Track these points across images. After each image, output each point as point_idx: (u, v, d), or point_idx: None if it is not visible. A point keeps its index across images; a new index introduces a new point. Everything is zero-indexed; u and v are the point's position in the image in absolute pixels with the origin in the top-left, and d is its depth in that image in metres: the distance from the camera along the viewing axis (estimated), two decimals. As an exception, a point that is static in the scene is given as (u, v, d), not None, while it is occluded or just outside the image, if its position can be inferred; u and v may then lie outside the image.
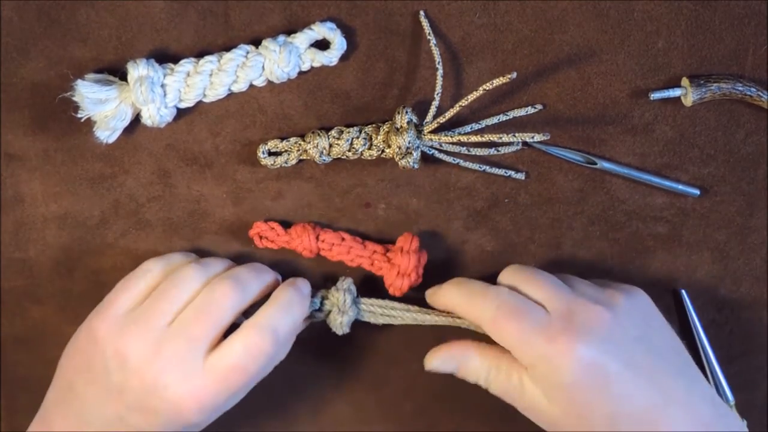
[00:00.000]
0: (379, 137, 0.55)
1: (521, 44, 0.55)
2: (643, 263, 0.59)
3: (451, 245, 0.59)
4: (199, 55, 0.55)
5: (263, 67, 0.54)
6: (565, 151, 0.57)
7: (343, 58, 0.55)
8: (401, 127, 0.54)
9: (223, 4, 0.54)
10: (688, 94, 0.55)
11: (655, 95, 0.56)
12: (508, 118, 0.56)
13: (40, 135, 0.56)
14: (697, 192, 0.58)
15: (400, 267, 0.56)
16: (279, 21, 0.55)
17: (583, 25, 0.55)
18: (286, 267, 0.58)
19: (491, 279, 0.56)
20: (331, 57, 0.54)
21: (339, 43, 0.54)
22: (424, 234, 0.58)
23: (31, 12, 0.54)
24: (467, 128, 0.56)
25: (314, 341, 0.60)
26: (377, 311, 0.56)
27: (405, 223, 0.58)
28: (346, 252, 0.57)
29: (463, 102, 0.53)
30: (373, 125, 0.56)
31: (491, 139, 0.54)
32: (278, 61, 0.53)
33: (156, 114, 0.54)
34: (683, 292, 0.59)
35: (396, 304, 0.57)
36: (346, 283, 0.56)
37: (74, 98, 0.53)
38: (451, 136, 0.55)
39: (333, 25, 0.54)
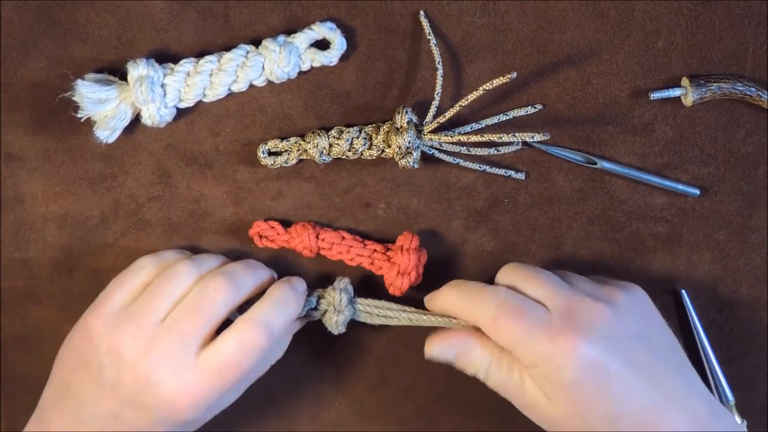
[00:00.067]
0: (379, 137, 0.55)
1: (521, 44, 0.55)
2: (643, 263, 0.59)
3: (451, 245, 0.59)
4: (199, 55, 0.55)
5: (263, 67, 0.54)
6: (565, 151, 0.57)
7: (343, 58, 0.55)
8: (401, 127, 0.54)
9: (223, 4, 0.54)
10: (688, 94, 0.55)
11: (655, 95, 0.56)
12: (508, 118, 0.56)
13: (40, 135, 0.56)
14: (697, 192, 0.58)
15: (400, 266, 0.56)
16: (279, 21, 0.55)
17: (583, 25, 0.55)
18: (285, 267, 0.58)
19: (491, 279, 0.56)
20: (331, 57, 0.54)
21: (339, 43, 0.54)
22: (424, 234, 0.58)
23: (31, 12, 0.54)
24: (467, 128, 0.56)
25: (314, 341, 0.60)
26: (373, 311, 0.56)
27: (405, 223, 0.58)
28: (346, 251, 0.57)
29: (463, 102, 0.53)
30: (373, 125, 0.56)
31: (491, 139, 0.54)
32: (278, 61, 0.53)
33: (156, 114, 0.54)
34: (683, 292, 0.59)
35: (392, 305, 0.56)
36: (343, 283, 0.56)
37: (74, 98, 0.53)
38: (451, 136, 0.55)
39: (333, 25, 0.54)
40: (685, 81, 0.56)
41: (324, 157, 0.55)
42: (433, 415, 0.61)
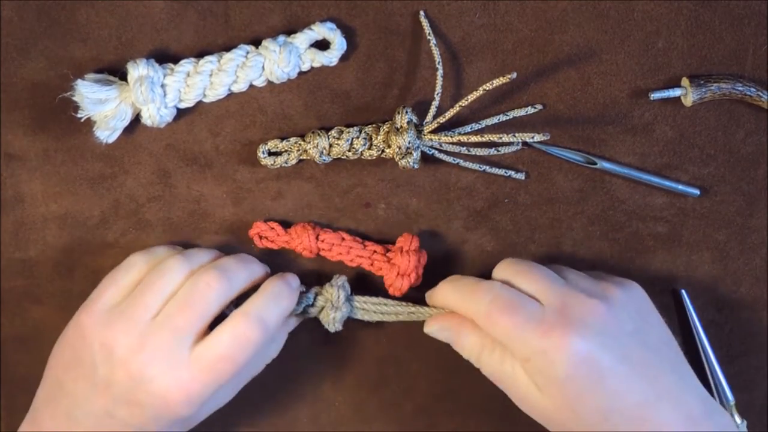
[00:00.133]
0: (379, 137, 0.55)
1: (521, 44, 0.55)
2: (643, 263, 0.59)
3: (451, 245, 0.59)
4: (199, 55, 0.55)
5: (263, 67, 0.54)
6: (565, 151, 0.57)
7: (343, 58, 0.55)
8: (401, 127, 0.54)
9: (223, 4, 0.54)
10: (688, 94, 0.55)
11: (655, 95, 0.56)
12: (508, 118, 0.56)
13: (40, 135, 0.56)
14: (697, 192, 0.58)
15: (400, 267, 0.56)
16: (279, 21, 0.55)
17: (583, 25, 0.55)
18: (285, 267, 0.58)
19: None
20: (331, 57, 0.54)
21: (339, 43, 0.54)
22: (424, 234, 0.58)
23: (31, 12, 0.54)
24: (467, 128, 0.56)
25: (314, 342, 0.60)
26: (370, 309, 0.56)
27: (405, 223, 0.58)
28: (345, 252, 0.57)
29: (463, 102, 0.53)
30: (373, 125, 0.56)
31: (491, 139, 0.54)
32: (278, 61, 0.53)
33: (156, 114, 0.54)
34: (683, 292, 0.59)
35: (389, 301, 0.57)
36: (341, 280, 0.56)
37: (74, 98, 0.53)
38: (451, 136, 0.55)
39: (333, 25, 0.54)
40: (685, 81, 0.56)
41: (324, 157, 0.55)
42: (433, 415, 0.61)
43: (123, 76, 0.54)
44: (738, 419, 0.58)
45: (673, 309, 0.60)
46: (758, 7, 0.55)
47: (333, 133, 0.55)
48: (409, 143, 0.54)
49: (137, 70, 0.53)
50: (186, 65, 0.54)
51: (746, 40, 0.56)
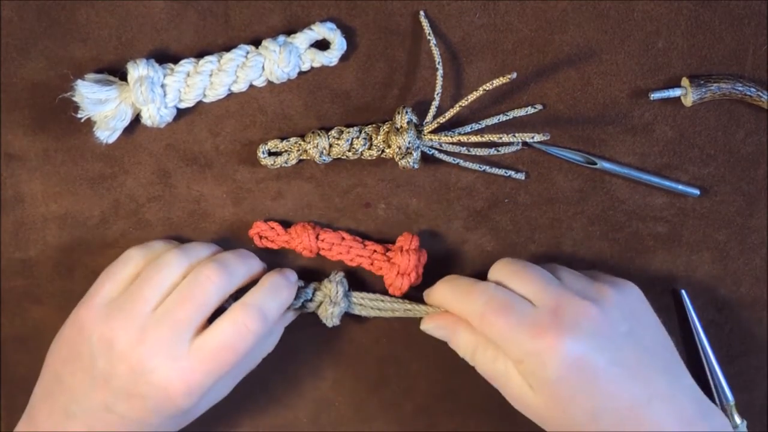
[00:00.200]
0: (379, 137, 0.55)
1: (521, 44, 0.55)
2: (643, 263, 0.59)
3: (451, 245, 0.59)
4: (199, 55, 0.55)
5: (263, 67, 0.54)
6: (565, 151, 0.57)
7: (343, 58, 0.55)
8: (401, 127, 0.54)
9: (223, 4, 0.54)
10: (688, 94, 0.55)
11: (655, 95, 0.56)
12: (508, 118, 0.56)
13: (40, 135, 0.56)
14: (697, 192, 0.58)
15: (399, 266, 0.56)
16: (279, 21, 0.55)
17: (583, 25, 0.55)
18: (285, 267, 0.58)
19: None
20: (331, 57, 0.54)
21: (339, 43, 0.54)
22: (424, 234, 0.58)
23: (31, 12, 0.54)
24: (467, 128, 0.56)
25: (315, 342, 0.60)
26: (368, 304, 0.57)
27: (405, 223, 0.58)
28: (345, 251, 0.57)
29: (463, 102, 0.53)
30: (373, 125, 0.56)
31: (491, 139, 0.54)
32: (278, 61, 0.53)
33: (156, 114, 0.54)
34: (683, 292, 0.59)
35: (386, 298, 0.57)
36: (339, 276, 0.57)
37: (74, 98, 0.53)
38: (451, 136, 0.55)
39: (333, 25, 0.54)
40: (685, 81, 0.56)
41: (324, 158, 0.55)
42: (433, 415, 0.61)
43: (123, 76, 0.54)
44: (738, 419, 0.58)
45: (673, 309, 0.60)
46: (758, 7, 0.55)
47: (333, 133, 0.55)
48: (409, 143, 0.54)
49: (137, 70, 0.53)
50: (186, 65, 0.54)
51: (746, 40, 0.56)
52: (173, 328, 0.50)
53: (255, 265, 0.55)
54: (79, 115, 0.53)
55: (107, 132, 0.54)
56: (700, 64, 0.56)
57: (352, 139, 0.55)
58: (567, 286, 0.52)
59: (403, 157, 0.54)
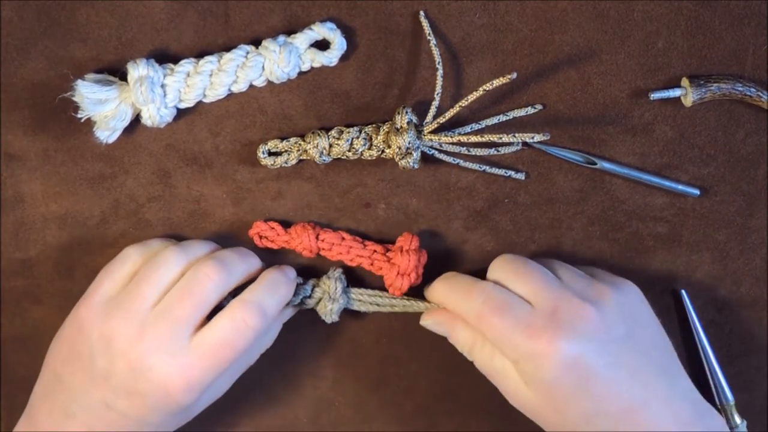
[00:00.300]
0: (379, 137, 0.55)
1: (521, 44, 0.55)
2: (643, 263, 0.59)
3: (451, 245, 0.59)
4: (199, 55, 0.55)
5: (263, 67, 0.54)
6: (565, 151, 0.57)
7: (343, 58, 0.55)
8: (401, 127, 0.54)
9: (223, 4, 0.54)
10: (688, 94, 0.55)
11: (655, 95, 0.56)
12: (508, 118, 0.56)
13: (40, 135, 0.56)
14: (697, 192, 0.58)
15: (399, 266, 0.56)
16: (279, 21, 0.55)
17: (583, 25, 0.55)
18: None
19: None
20: (331, 57, 0.54)
21: (339, 43, 0.54)
22: (424, 234, 0.58)
23: (31, 12, 0.54)
24: (467, 128, 0.56)
25: (315, 341, 0.60)
26: (366, 300, 0.57)
27: (405, 223, 0.58)
28: (345, 252, 0.57)
29: (463, 102, 0.53)
30: (373, 125, 0.56)
31: (491, 139, 0.54)
32: (278, 61, 0.53)
33: (156, 114, 0.54)
34: (683, 292, 0.59)
35: (384, 293, 0.57)
36: (337, 273, 0.57)
37: (74, 98, 0.53)
38: (451, 136, 0.55)
39: (333, 25, 0.54)
40: (685, 81, 0.56)
41: (324, 158, 0.55)
42: (433, 415, 0.61)
43: (123, 76, 0.54)
44: (738, 419, 0.58)
45: (673, 309, 0.60)
46: (758, 7, 0.55)
47: (333, 133, 0.55)
48: (409, 143, 0.54)
49: (137, 70, 0.53)
50: (186, 65, 0.54)
51: (746, 40, 0.56)
52: (172, 325, 0.50)
53: (254, 262, 0.55)
54: (79, 115, 0.53)
55: (107, 132, 0.54)
56: (700, 64, 0.56)
57: (352, 139, 0.55)
58: (566, 287, 0.52)
59: (403, 158, 0.54)
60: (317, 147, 0.55)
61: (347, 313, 0.59)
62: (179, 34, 0.55)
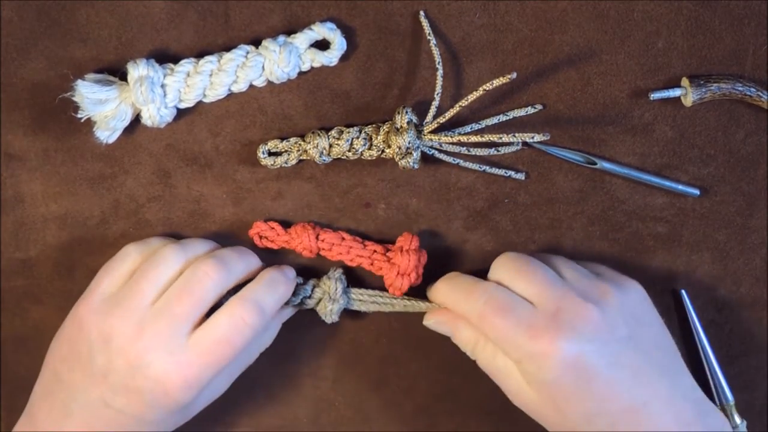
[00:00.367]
0: (379, 137, 0.55)
1: (521, 44, 0.55)
2: (643, 263, 0.59)
3: (451, 245, 0.59)
4: (199, 55, 0.55)
5: (263, 67, 0.54)
6: (565, 151, 0.57)
7: (343, 58, 0.55)
8: (401, 127, 0.54)
9: (223, 4, 0.54)
10: (688, 94, 0.55)
11: (655, 95, 0.56)
12: (508, 118, 0.56)
13: (40, 135, 0.56)
14: (697, 192, 0.58)
15: (399, 266, 0.56)
16: (279, 21, 0.55)
17: (583, 25, 0.55)
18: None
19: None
20: (331, 57, 0.54)
21: (339, 43, 0.54)
22: (424, 234, 0.58)
23: (31, 12, 0.54)
24: (467, 128, 0.56)
25: (315, 341, 0.60)
26: (367, 299, 0.57)
27: (405, 223, 0.58)
28: (346, 252, 0.57)
29: (463, 102, 0.53)
30: (373, 125, 0.56)
31: (491, 139, 0.54)
32: (278, 61, 0.53)
33: (156, 114, 0.54)
34: (683, 292, 0.59)
35: (384, 293, 0.57)
36: (337, 273, 0.57)
37: (74, 98, 0.53)
38: (451, 136, 0.55)
39: (333, 26, 0.54)
40: (685, 81, 0.56)
41: (324, 158, 0.55)
42: (433, 415, 0.61)
43: (123, 76, 0.54)
44: (738, 419, 0.58)
45: (673, 309, 0.60)
46: (758, 7, 0.55)
47: (333, 133, 0.55)
48: (409, 143, 0.54)
49: (137, 70, 0.53)
50: (186, 65, 0.54)
51: (746, 40, 0.56)
52: (171, 323, 0.50)
53: (253, 261, 0.55)
54: (79, 115, 0.53)
55: (107, 132, 0.54)
56: (700, 64, 0.56)
57: (352, 139, 0.55)
58: (569, 286, 0.52)
59: (403, 157, 0.54)
60: (317, 147, 0.55)
61: (347, 314, 0.59)
62: (179, 34, 0.55)
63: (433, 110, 0.55)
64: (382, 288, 0.57)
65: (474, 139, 0.54)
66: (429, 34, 0.54)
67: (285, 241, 0.57)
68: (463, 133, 0.56)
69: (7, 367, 0.60)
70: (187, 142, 0.56)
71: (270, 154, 0.56)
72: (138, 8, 0.54)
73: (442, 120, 0.54)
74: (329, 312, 0.56)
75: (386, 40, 0.55)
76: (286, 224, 0.58)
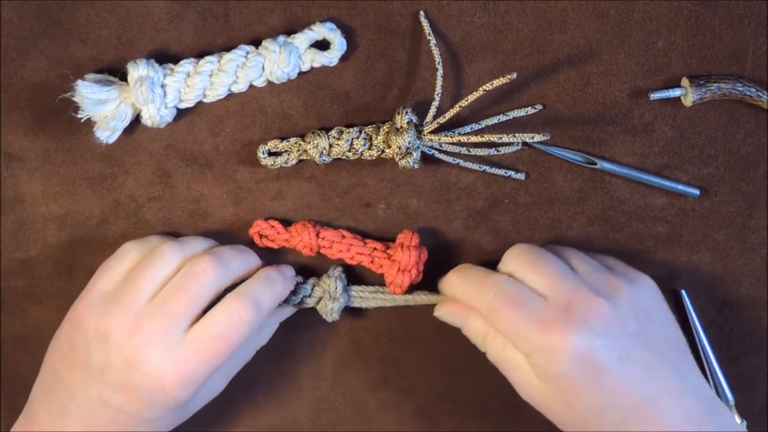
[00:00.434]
0: (379, 137, 0.55)
1: (521, 44, 0.55)
2: (643, 263, 0.59)
3: (451, 245, 0.59)
4: (199, 55, 0.55)
5: (263, 67, 0.54)
6: (565, 151, 0.57)
7: (343, 58, 0.55)
8: (401, 127, 0.54)
9: (223, 4, 0.54)
10: (688, 94, 0.55)
11: (655, 95, 0.56)
12: (508, 118, 0.56)
13: (40, 135, 0.56)
14: (697, 192, 0.58)
15: (400, 262, 0.56)
16: (279, 21, 0.55)
17: (583, 25, 0.55)
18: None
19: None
20: (331, 57, 0.54)
21: (339, 44, 0.54)
22: (424, 234, 0.58)
23: (31, 12, 0.54)
24: (467, 128, 0.56)
25: (315, 341, 0.60)
26: (368, 296, 0.57)
27: (405, 223, 0.58)
28: (346, 249, 0.57)
29: (463, 102, 0.53)
30: (373, 125, 0.56)
31: (491, 139, 0.54)
32: (278, 61, 0.53)
33: (156, 114, 0.54)
34: (683, 292, 0.59)
35: (385, 289, 0.57)
36: (337, 271, 0.57)
37: (74, 98, 0.53)
38: (451, 137, 0.55)
39: (333, 26, 0.54)
40: (685, 81, 0.56)
41: (324, 158, 0.55)
42: (433, 415, 0.61)
43: (123, 77, 0.54)
44: (738, 419, 0.58)
45: (673, 309, 0.60)
46: (758, 7, 0.55)
47: (333, 133, 0.55)
48: (409, 143, 0.54)
49: (137, 70, 0.53)
50: (186, 65, 0.54)
51: (746, 40, 0.56)
52: (167, 319, 0.50)
53: (252, 260, 0.55)
54: (79, 115, 0.53)
55: (107, 132, 0.54)
56: (700, 64, 0.56)
57: (352, 139, 0.55)
58: (580, 279, 0.52)
59: (403, 157, 0.54)
60: (317, 147, 0.55)
61: (348, 314, 0.59)
62: (179, 34, 0.55)
63: (433, 110, 0.55)
64: (383, 285, 0.57)
65: (474, 139, 0.54)
66: (429, 34, 0.54)
67: (285, 240, 0.57)
68: (463, 133, 0.56)
69: (7, 367, 0.60)
70: (187, 142, 0.56)
71: (270, 154, 0.56)
72: (138, 8, 0.54)
73: (442, 120, 0.54)
74: (330, 310, 0.56)
75: (386, 40, 0.55)
76: (286, 224, 0.58)
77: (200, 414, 0.55)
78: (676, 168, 0.58)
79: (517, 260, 0.54)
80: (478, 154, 0.56)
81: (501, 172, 0.57)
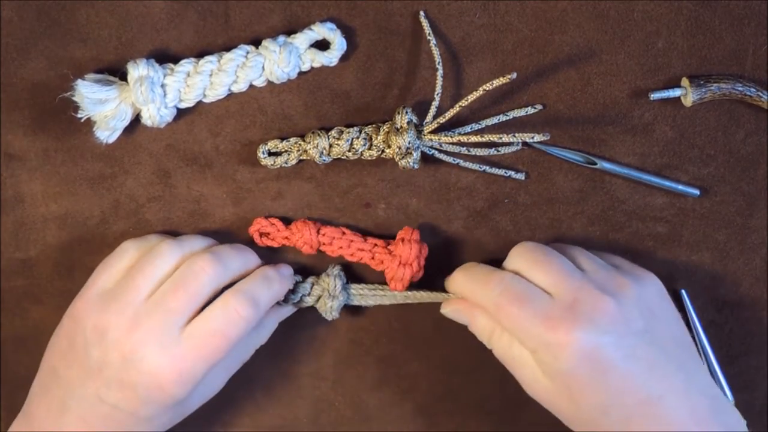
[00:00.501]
0: (379, 137, 0.55)
1: (521, 44, 0.55)
2: (643, 263, 0.59)
3: (452, 245, 0.59)
4: (199, 55, 0.55)
5: (263, 67, 0.54)
6: (565, 151, 0.57)
7: (343, 58, 0.55)
8: (401, 127, 0.54)
9: (223, 4, 0.54)
10: (688, 94, 0.55)
11: (655, 95, 0.56)
12: (508, 118, 0.56)
13: (40, 135, 0.56)
14: (697, 192, 0.58)
15: (401, 256, 0.56)
16: (279, 21, 0.55)
17: (583, 25, 0.55)
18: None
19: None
20: (331, 57, 0.54)
21: (339, 44, 0.54)
22: (425, 234, 0.58)
23: (31, 12, 0.54)
24: (467, 128, 0.56)
25: (314, 341, 0.60)
26: (367, 294, 0.57)
27: (405, 223, 0.58)
28: (346, 246, 0.57)
29: (463, 102, 0.53)
30: (373, 125, 0.56)
31: (491, 139, 0.54)
32: (278, 61, 0.53)
33: (156, 114, 0.54)
34: (683, 292, 0.59)
35: (384, 287, 0.57)
36: (336, 269, 0.57)
37: (74, 98, 0.53)
38: (451, 136, 0.55)
39: (333, 26, 0.54)
40: (685, 81, 0.56)
41: (324, 158, 0.55)
42: (433, 415, 0.61)
43: (123, 76, 0.54)
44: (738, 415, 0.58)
45: (674, 309, 0.60)
46: (758, 7, 0.55)
47: (333, 133, 0.55)
48: (409, 143, 0.54)
49: (137, 70, 0.53)
50: (186, 65, 0.54)
51: (746, 40, 0.56)
52: (165, 317, 0.50)
53: (251, 258, 0.55)
54: (79, 115, 0.53)
55: (107, 132, 0.54)
56: (700, 64, 0.56)
57: (352, 139, 0.55)
58: (586, 277, 0.52)
59: (403, 157, 0.54)
60: (317, 147, 0.55)
61: (347, 313, 0.59)
62: (179, 34, 0.55)
63: (433, 110, 0.55)
64: (384, 283, 0.57)
65: (474, 139, 0.54)
66: (429, 34, 0.54)
67: (285, 237, 0.57)
68: (463, 133, 0.56)
69: (7, 367, 0.60)
70: (187, 142, 0.56)
71: (270, 154, 0.56)
72: (138, 8, 0.54)
73: (442, 120, 0.54)
74: (329, 309, 0.56)
75: (386, 40, 0.55)
76: (287, 223, 0.58)
77: (200, 413, 0.55)
78: (676, 168, 0.58)
79: (523, 258, 0.54)
80: (478, 154, 0.56)
81: (501, 172, 0.57)
